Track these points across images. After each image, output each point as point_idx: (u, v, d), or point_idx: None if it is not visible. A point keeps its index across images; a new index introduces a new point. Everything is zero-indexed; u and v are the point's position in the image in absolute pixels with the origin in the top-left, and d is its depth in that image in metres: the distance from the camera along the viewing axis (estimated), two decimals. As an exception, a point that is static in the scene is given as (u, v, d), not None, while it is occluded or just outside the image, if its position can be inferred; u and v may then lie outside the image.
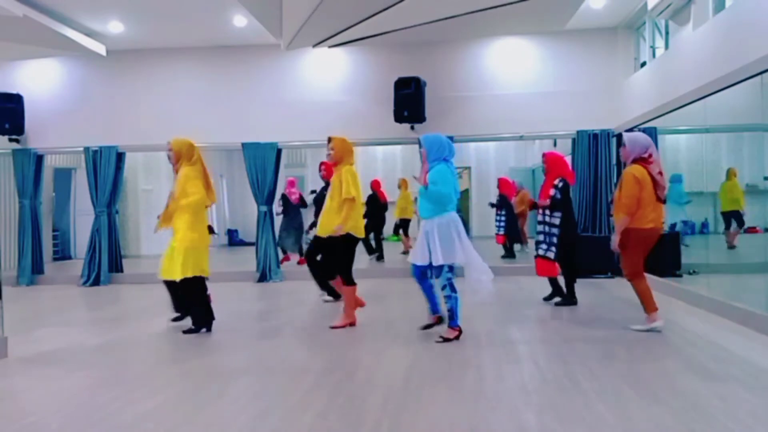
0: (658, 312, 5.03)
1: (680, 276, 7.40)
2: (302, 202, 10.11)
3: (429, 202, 4.82)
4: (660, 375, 3.87)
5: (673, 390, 3.53)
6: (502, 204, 11.04)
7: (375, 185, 11.03)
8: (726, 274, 7.13)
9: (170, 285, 5.52)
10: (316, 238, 5.87)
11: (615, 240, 5.03)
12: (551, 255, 6.22)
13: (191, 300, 5.44)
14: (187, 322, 5.51)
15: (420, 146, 4.95)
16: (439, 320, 5.10)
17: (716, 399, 3.32)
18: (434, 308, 5.12)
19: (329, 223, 5.34)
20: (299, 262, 9.91)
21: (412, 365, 4.19)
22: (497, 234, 11.25)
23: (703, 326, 5.25)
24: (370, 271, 9.76)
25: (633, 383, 3.62)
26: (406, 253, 12.10)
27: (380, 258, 10.85)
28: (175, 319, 5.72)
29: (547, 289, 6.49)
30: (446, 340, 4.79)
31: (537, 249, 6.33)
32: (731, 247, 7.25)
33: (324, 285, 6.76)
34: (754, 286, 6.04)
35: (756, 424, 2.98)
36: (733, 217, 7.10)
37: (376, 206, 10.78)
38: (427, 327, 5.10)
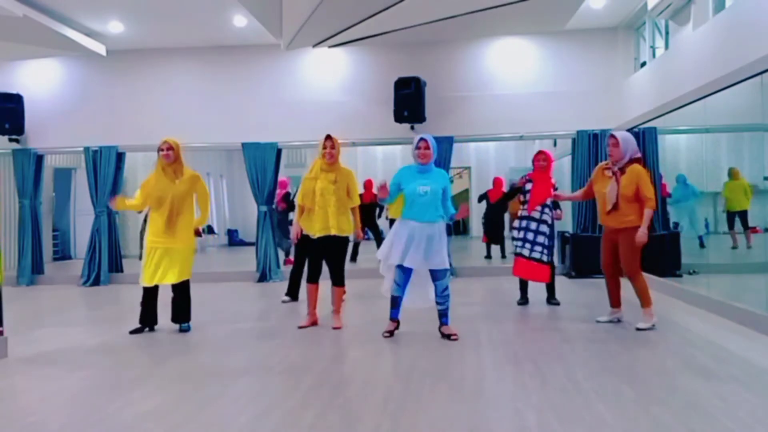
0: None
1: (680, 276, 7.40)
2: (283, 202, 10.06)
3: (436, 207, 4.83)
4: (660, 375, 3.87)
5: (673, 390, 3.53)
6: (483, 201, 11.15)
7: (368, 184, 11.21)
8: (726, 274, 7.14)
9: (153, 294, 5.38)
10: (316, 239, 5.40)
11: (645, 233, 5.00)
12: (545, 258, 6.16)
13: (187, 300, 5.42)
14: (152, 333, 5.43)
15: (416, 147, 4.87)
16: (398, 325, 5.12)
17: (716, 399, 3.32)
18: (397, 314, 5.08)
19: (337, 224, 5.31)
20: (285, 262, 9.87)
21: (412, 365, 4.19)
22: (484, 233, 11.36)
23: (703, 326, 5.25)
24: (368, 272, 9.75)
25: (633, 383, 3.62)
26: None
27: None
28: (136, 331, 5.38)
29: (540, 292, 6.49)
30: (455, 336, 4.85)
31: (531, 252, 6.15)
32: (736, 246, 7.25)
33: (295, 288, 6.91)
34: (754, 286, 6.05)
35: (756, 424, 2.98)
36: (739, 216, 7.10)
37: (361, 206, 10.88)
38: (391, 334, 5.05)
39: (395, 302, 5.02)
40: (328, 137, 5.35)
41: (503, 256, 10.78)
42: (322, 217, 5.31)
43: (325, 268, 5.50)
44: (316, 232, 5.35)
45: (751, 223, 6.95)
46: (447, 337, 4.87)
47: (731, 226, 7.19)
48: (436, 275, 4.88)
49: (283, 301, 6.98)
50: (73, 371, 4.25)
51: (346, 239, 5.44)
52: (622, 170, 5.12)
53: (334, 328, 5.40)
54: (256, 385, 3.85)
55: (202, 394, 3.68)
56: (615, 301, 5.45)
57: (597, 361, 4.15)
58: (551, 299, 6.42)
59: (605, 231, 5.34)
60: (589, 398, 3.37)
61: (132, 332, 5.36)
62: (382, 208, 11.36)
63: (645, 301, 5.15)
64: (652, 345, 4.65)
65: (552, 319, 5.82)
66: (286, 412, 3.31)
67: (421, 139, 4.88)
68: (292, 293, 7.00)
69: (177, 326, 5.48)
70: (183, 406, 3.48)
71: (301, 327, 5.45)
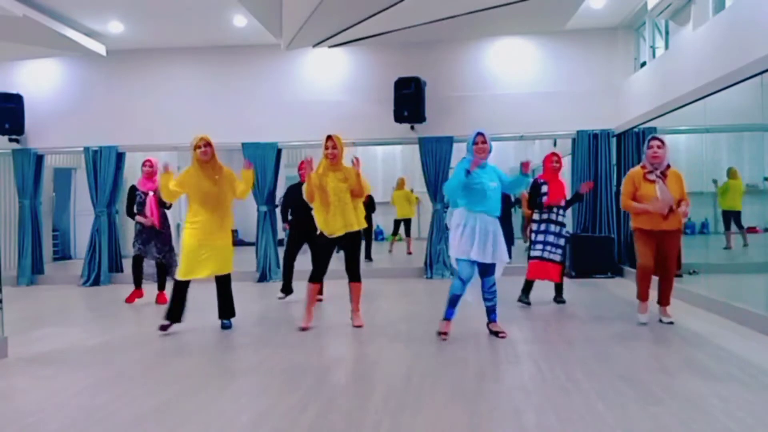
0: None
1: (680, 276, 7.39)
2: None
3: (500, 202, 4.86)
4: (660, 375, 3.87)
5: (673, 390, 3.53)
6: None
7: None
8: (726, 274, 7.13)
9: (184, 290, 5.34)
10: (333, 237, 5.35)
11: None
12: (560, 258, 6.25)
13: (231, 295, 5.57)
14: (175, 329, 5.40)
15: (473, 141, 4.86)
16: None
17: (716, 399, 3.32)
18: (453, 314, 4.92)
19: (357, 220, 5.35)
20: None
21: (412, 365, 4.19)
22: None
23: (703, 326, 5.25)
24: (366, 272, 9.76)
25: (633, 383, 3.62)
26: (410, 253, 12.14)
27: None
28: (165, 327, 5.34)
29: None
30: (504, 334, 4.92)
31: (551, 254, 6.19)
32: (729, 247, 7.25)
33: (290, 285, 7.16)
34: (754, 286, 6.04)
35: (756, 424, 2.98)
36: (734, 216, 7.10)
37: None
38: (447, 335, 4.89)
39: (454, 300, 4.86)
40: (329, 137, 5.35)
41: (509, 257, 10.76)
42: (341, 215, 5.28)
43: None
44: (336, 230, 5.29)
45: (750, 223, 6.95)
46: (495, 334, 4.92)
47: (728, 226, 7.19)
48: (488, 270, 4.81)
49: (279, 298, 7.12)
50: (73, 371, 4.26)
51: (356, 234, 5.48)
52: (664, 174, 5.15)
53: (357, 326, 5.43)
54: (256, 385, 3.85)
55: (202, 394, 3.68)
56: (661, 301, 5.44)
57: (597, 361, 4.15)
58: (559, 297, 6.47)
59: (649, 235, 5.19)
60: (589, 398, 3.37)
61: (163, 328, 5.32)
62: (374, 209, 11.38)
63: (669, 298, 5.39)
64: (652, 345, 4.65)
65: (552, 319, 5.82)
66: (286, 412, 3.31)
67: (479, 133, 4.84)
68: (287, 289, 7.16)
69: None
70: (183, 406, 3.48)
71: (303, 329, 5.39)
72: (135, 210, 6.80)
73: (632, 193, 5.24)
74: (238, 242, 16.39)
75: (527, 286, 6.42)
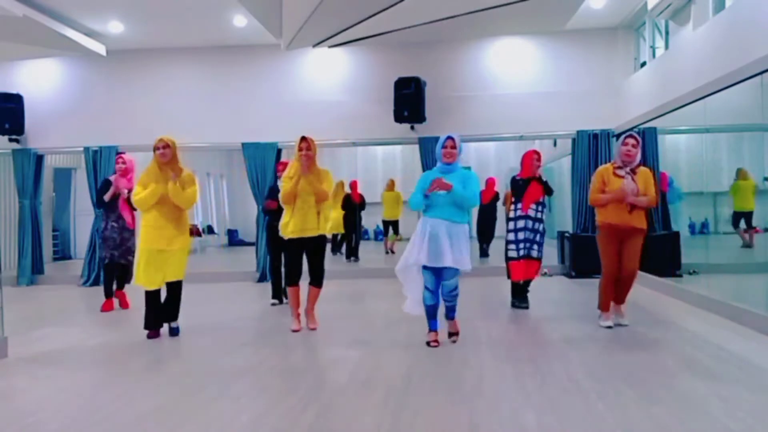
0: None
1: (680, 276, 7.40)
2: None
3: (460, 207, 4.60)
4: (660, 375, 3.87)
5: (673, 390, 3.53)
6: None
7: (353, 185, 11.26)
8: (726, 274, 7.13)
9: (157, 296, 5.25)
10: (292, 240, 5.31)
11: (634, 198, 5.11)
12: (535, 254, 6.14)
13: (179, 299, 5.38)
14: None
15: (442, 145, 4.69)
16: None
17: (716, 399, 3.32)
18: (436, 324, 4.72)
19: (317, 225, 5.27)
20: None
21: (412, 365, 4.19)
22: None
23: (703, 326, 5.25)
24: (365, 272, 9.76)
25: (633, 383, 3.62)
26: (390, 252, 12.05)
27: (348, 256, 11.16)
28: (152, 335, 5.25)
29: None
30: (456, 338, 4.81)
31: (529, 251, 6.08)
32: (747, 245, 7.20)
33: (280, 290, 6.84)
34: (754, 286, 6.05)
35: (756, 424, 2.97)
36: (744, 216, 7.09)
37: (349, 206, 11.00)
38: (438, 343, 4.70)
39: (431, 312, 4.68)
40: (303, 138, 5.23)
41: (486, 255, 10.77)
42: (301, 218, 5.22)
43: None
44: (291, 233, 5.24)
45: (752, 223, 6.95)
46: (449, 335, 4.79)
47: (736, 225, 7.17)
48: (445, 274, 4.55)
49: (273, 305, 6.88)
50: (73, 371, 4.26)
51: (326, 238, 5.44)
52: (634, 171, 5.16)
53: (312, 329, 5.40)
54: (256, 385, 3.85)
55: (202, 394, 3.68)
56: (617, 299, 5.43)
57: (597, 361, 4.15)
58: (524, 301, 6.31)
59: (612, 232, 5.23)
60: (589, 398, 3.37)
61: (151, 337, 5.23)
62: (363, 208, 11.35)
63: (625, 297, 5.39)
64: (652, 345, 4.65)
65: (551, 319, 5.82)
66: (286, 412, 3.31)
67: (449, 137, 4.70)
68: (279, 296, 6.92)
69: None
70: (183, 406, 3.48)
71: (295, 330, 5.38)
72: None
73: (601, 190, 5.26)
74: (237, 242, 16.58)
75: (515, 289, 6.31)
